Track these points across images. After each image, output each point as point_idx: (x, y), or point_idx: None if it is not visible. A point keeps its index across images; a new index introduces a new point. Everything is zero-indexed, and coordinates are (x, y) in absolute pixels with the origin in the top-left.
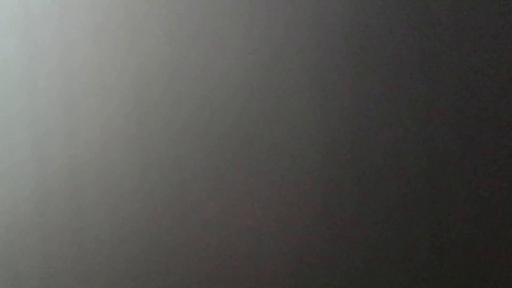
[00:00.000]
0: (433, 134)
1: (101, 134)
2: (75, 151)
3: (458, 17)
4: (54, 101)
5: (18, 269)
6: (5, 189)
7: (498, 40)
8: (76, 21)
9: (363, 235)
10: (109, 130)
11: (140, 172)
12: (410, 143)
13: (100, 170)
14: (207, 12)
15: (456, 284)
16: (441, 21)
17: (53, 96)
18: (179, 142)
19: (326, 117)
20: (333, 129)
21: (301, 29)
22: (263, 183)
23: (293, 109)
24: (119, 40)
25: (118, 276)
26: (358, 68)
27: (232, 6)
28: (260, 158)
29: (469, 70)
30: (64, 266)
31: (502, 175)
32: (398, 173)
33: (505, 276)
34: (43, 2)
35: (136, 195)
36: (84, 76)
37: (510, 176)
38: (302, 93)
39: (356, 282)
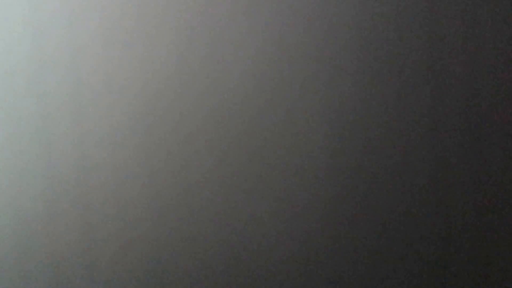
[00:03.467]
0: (439, 136)
1: (109, 138)
2: (83, 154)
3: (464, 20)
4: (63, 106)
5: (26, 269)
6: (14, 191)
7: (504, 42)
8: (85, 27)
9: (369, 236)
10: (117, 133)
11: (148, 174)
12: (416, 145)
13: (108, 173)
14: (218, 16)
15: (461, 283)
16: (448, 23)
17: (62, 100)
18: (187, 145)
19: (334, 120)
20: (340, 131)
21: (310, 33)
22: (271, 186)
23: (300, 112)
24: (128, 45)
25: (126, 276)
26: (366, 71)
27: (243, 12)
28: (267, 161)
29: (475, 72)
30: (71, 266)
31: (507, 177)
32: (404, 175)
33: (507, 275)
34: (52, 8)
35: (144, 196)
36: (92, 81)
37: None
38: (310, 96)
39: (361, 282)
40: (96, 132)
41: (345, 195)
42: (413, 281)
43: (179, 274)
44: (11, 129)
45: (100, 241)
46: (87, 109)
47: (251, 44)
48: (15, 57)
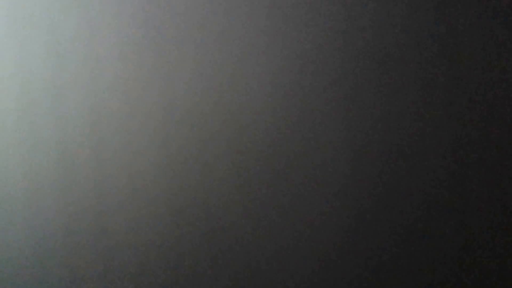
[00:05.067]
0: (459, 140)
1: (124, 142)
2: (99, 158)
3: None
4: (78, 107)
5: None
6: (29, 188)
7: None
8: (101, 33)
9: (386, 239)
10: (133, 137)
11: (164, 176)
12: (435, 150)
13: (122, 170)
14: (230, 18)
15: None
16: (462, 25)
17: (77, 102)
18: (202, 149)
19: (352, 124)
20: (359, 134)
21: (328, 37)
22: (287, 190)
23: (318, 116)
24: (146, 58)
25: (140, 278)
26: (384, 75)
27: (256, 14)
28: (286, 164)
29: (492, 72)
30: (86, 270)
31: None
32: (423, 178)
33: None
34: (70, 17)
35: (156, 195)
36: (108, 85)
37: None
38: (328, 100)
39: (376, 285)
40: (112, 135)
41: (363, 201)
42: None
43: (193, 276)
44: (29, 134)
45: (114, 244)
46: (103, 112)
47: (265, 47)
48: (33, 62)
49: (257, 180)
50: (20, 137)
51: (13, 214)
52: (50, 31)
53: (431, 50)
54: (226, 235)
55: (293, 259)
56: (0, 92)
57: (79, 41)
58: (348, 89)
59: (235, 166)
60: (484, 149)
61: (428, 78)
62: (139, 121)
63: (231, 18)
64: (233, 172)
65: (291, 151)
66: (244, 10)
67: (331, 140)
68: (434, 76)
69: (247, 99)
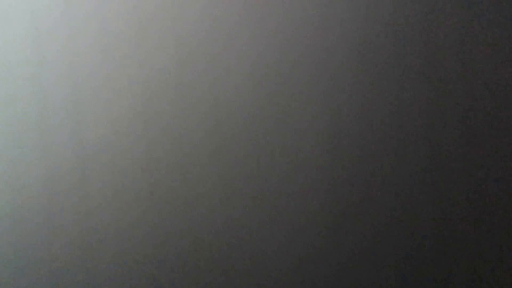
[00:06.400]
0: (436, 137)
1: (108, 140)
2: (82, 156)
3: (462, 20)
4: (61, 105)
5: (24, 270)
6: (12, 187)
7: (501, 41)
8: (84, 28)
9: (365, 235)
10: (117, 136)
11: (144, 173)
12: (413, 147)
13: (106, 175)
14: (215, 16)
15: (457, 284)
16: (445, 24)
17: (61, 102)
18: (186, 147)
19: (332, 121)
20: (338, 131)
21: (308, 35)
22: (268, 185)
23: (299, 112)
24: (126, 49)
25: (123, 279)
26: (364, 73)
27: (240, 12)
28: (266, 161)
29: (472, 72)
30: (69, 268)
31: (503, 176)
32: (401, 175)
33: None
34: (52, 12)
35: (140, 195)
36: (91, 82)
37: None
38: (308, 97)
39: (357, 282)
40: (93, 134)
41: (342, 196)
42: (410, 283)
43: (178, 277)
44: (10, 130)
45: (98, 243)
46: (86, 110)
47: (247, 45)
48: (15, 59)
49: (238, 176)
50: (1, 132)
51: None
52: (32, 25)
53: (406, 45)
54: (206, 230)
55: (273, 256)
56: None
57: (61, 36)
58: (328, 86)
59: (216, 161)
60: (462, 149)
61: (406, 74)
62: (120, 115)
63: (213, 12)
64: (214, 167)
65: (272, 146)
66: (227, 3)
67: (312, 135)
68: (411, 70)
69: (229, 95)
